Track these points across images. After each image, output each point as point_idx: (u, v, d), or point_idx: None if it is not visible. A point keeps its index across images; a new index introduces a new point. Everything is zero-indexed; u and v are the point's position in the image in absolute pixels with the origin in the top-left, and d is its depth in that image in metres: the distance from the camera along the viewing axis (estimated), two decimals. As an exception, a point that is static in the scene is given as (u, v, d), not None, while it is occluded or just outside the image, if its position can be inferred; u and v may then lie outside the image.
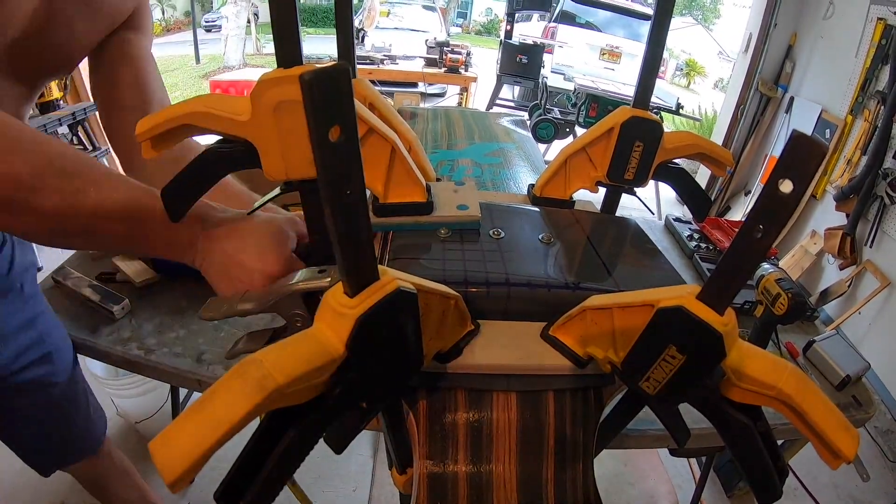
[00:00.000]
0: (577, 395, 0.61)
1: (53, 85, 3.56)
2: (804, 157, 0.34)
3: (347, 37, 0.82)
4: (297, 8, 0.59)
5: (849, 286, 3.31)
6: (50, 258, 3.39)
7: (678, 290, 0.46)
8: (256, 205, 0.77)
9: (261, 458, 0.41)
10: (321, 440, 0.47)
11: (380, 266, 0.43)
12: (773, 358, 0.47)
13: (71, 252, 1.43)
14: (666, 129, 0.83)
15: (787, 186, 0.35)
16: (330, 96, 0.32)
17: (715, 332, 0.42)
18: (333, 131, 0.33)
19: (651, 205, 4.64)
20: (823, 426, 0.44)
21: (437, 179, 0.88)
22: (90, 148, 4.02)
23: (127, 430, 2.31)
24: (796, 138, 0.34)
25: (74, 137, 3.92)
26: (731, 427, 0.48)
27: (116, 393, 2.08)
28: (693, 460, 2.41)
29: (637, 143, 0.82)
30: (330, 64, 0.33)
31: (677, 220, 1.97)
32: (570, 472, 0.59)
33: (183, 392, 2.13)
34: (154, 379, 1.16)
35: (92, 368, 2.01)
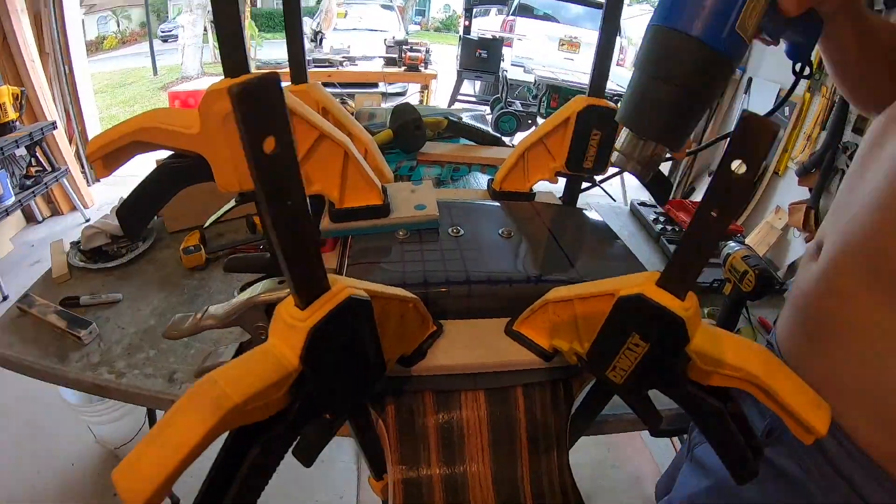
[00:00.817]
0: (545, 389, 0.61)
1: (9, 105, 3.48)
2: (755, 137, 0.34)
3: (297, 40, 0.81)
4: (241, 17, 0.58)
5: (815, 259, 3.36)
6: (15, 286, 3.33)
7: (637, 278, 0.46)
8: (211, 220, 0.76)
9: (228, 477, 0.40)
10: (290, 457, 0.46)
11: (331, 275, 0.42)
12: (739, 340, 0.47)
13: (33, 279, 1.40)
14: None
15: (739, 167, 0.35)
16: (261, 107, 0.31)
17: (676, 317, 0.42)
18: (268, 143, 0.32)
19: (616, 190, 4.67)
20: (794, 404, 0.44)
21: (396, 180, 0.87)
22: (49, 168, 3.94)
23: (107, 457, 2.27)
24: (746, 118, 0.34)
25: (32, 158, 3.84)
26: (702, 411, 0.48)
27: (92, 420, 2.03)
28: (675, 438, 2.43)
29: (594, 132, 0.82)
30: (259, 73, 0.32)
31: (642, 204, 1.98)
32: (546, 465, 0.59)
33: (160, 413, 2.09)
34: (127, 403, 1.14)
35: (66, 396, 1.97)
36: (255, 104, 0.31)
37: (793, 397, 0.44)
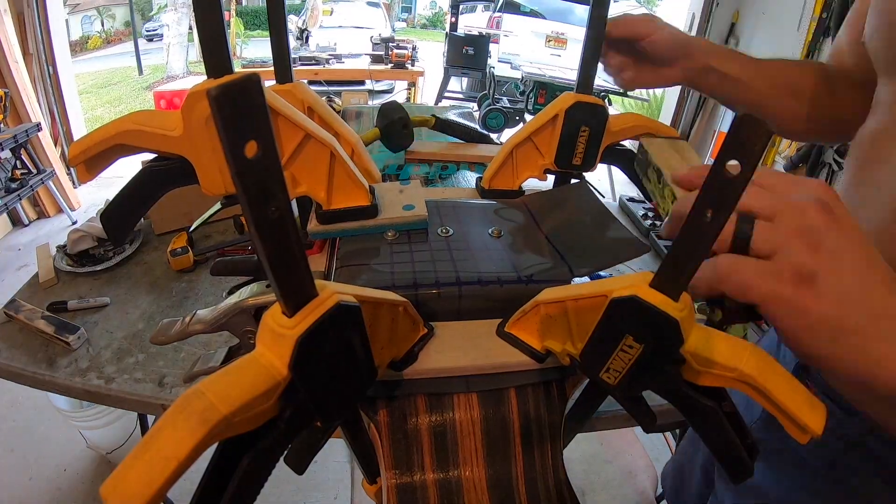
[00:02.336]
0: (539, 390, 0.60)
1: (-7, 107, 3.45)
2: (750, 137, 0.33)
3: (282, 38, 0.80)
4: (223, 15, 0.57)
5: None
6: (1, 290, 3.29)
7: (630, 279, 0.45)
8: (197, 223, 0.75)
9: (218, 490, 0.39)
10: (282, 461, 0.46)
11: (319, 280, 0.42)
12: (733, 339, 0.46)
13: (20, 283, 1.38)
14: (615, 111, 0.83)
15: (734, 168, 0.35)
16: (242, 110, 0.30)
17: (670, 318, 0.41)
18: (249, 147, 0.31)
19: (604, 186, 4.69)
20: (788, 403, 0.43)
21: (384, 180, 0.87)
22: (35, 171, 3.91)
23: (99, 463, 2.26)
24: (742, 118, 0.33)
25: (18, 161, 3.80)
26: (696, 411, 0.48)
27: (84, 425, 2.02)
28: (668, 433, 2.44)
29: (583, 128, 0.81)
30: (240, 74, 0.31)
31: (631, 199, 1.98)
32: (540, 466, 0.59)
33: (151, 417, 2.08)
34: (118, 408, 1.12)
35: (56, 402, 1.95)
36: (236, 107, 0.30)
37: (788, 397, 0.44)
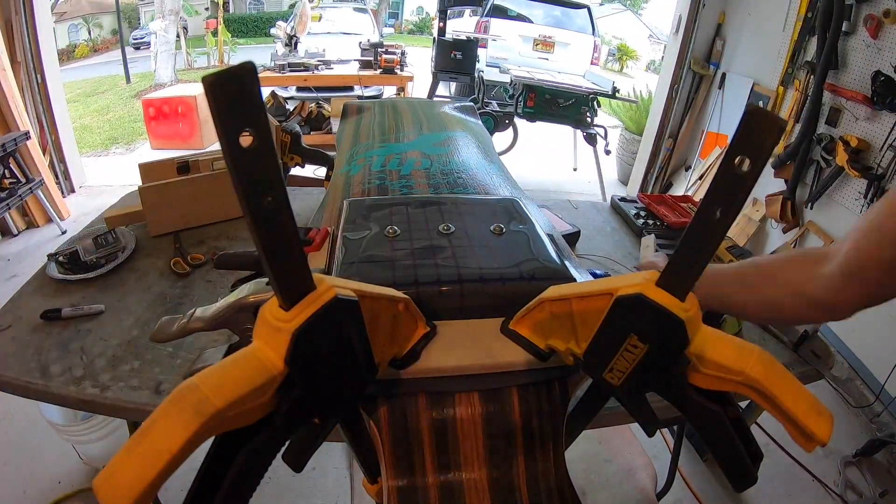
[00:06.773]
0: (541, 389, 0.59)
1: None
2: (761, 132, 0.33)
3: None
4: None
5: (794, 247, 3.40)
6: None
7: (637, 277, 0.44)
8: None
9: (214, 484, 0.38)
10: (280, 459, 0.45)
11: (317, 274, 0.41)
12: (739, 342, 0.45)
13: (10, 294, 1.36)
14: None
15: (744, 164, 0.34)
16: (237, 99, 0.29)
17: (676, 318, 0.41)
18: (245, 136, 0.30)
19: (595, 187, 4.70)
20: (795, 410, 0.42)
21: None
22: (24, 180, 3.86)
23: (95, 475, 2.21)
24: (751, 113, 0.32)
25: (6, 170, 3.75)
26: (699, 415, 0.47)
27: (79, 439, 1.98)
28: (665, 430, 2.43)
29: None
30: (236, 64, 0.30)
31: (622, 199, 1.99)
32: (542, 467, 0.58)
33: (146, 427, 2.06)
34: (113, 417, 1.11)
35: (49, 416, 1.92)
36: (231, 95, 0.29)
37: (794, 403, 0.43)
